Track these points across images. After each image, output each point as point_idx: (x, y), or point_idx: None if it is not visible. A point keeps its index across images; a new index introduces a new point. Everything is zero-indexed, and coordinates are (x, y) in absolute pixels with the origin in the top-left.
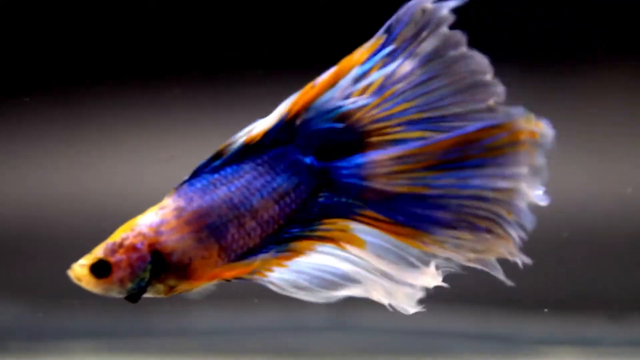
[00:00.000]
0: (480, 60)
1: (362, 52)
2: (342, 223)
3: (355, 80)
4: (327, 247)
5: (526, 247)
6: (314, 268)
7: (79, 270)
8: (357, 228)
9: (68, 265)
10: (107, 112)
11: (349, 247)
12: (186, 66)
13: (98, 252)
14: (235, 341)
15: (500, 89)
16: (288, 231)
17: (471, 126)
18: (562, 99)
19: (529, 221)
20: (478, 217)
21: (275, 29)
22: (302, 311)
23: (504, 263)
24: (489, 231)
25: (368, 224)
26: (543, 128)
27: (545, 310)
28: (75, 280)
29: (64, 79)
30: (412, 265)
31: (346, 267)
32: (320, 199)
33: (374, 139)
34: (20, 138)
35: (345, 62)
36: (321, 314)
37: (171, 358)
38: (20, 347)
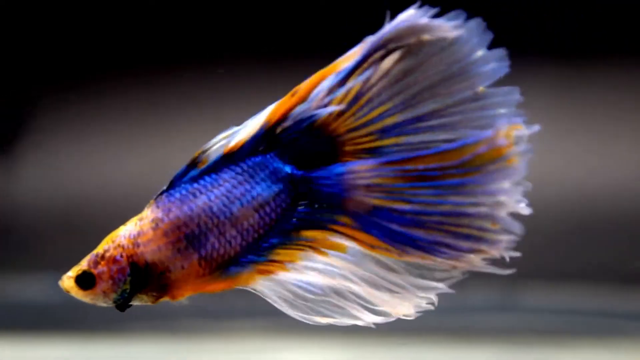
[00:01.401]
0: (466, 43)
1: (340, 60)
2: (321, 233)
3: (331, 89)
4: (308, 257)
5: None
6: (295, 284)
7: (67, 282)
8: (336, 238)
9: None
10: (114, 109)
11: (330, 252)
12: (187, 66)
13: (84, 263)
14: (399, 321)
15: (486, 68)
16: (268, 240)
17: (452, 144)
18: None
19: (515, 228)
20: (458, 237)
21: (275, 28)
22: (468, 292)
23: None
24: (472, 250)
25: (347, 235)
26: (524, 134)
27: None
28: (66, 292)
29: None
30: (394, 271)
31: (327, 281)
32: (300, 208)
33: (349, 147)
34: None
35: (325, 70)
36: (488, 294)
37: (331, 337)
38: (190, 325)
